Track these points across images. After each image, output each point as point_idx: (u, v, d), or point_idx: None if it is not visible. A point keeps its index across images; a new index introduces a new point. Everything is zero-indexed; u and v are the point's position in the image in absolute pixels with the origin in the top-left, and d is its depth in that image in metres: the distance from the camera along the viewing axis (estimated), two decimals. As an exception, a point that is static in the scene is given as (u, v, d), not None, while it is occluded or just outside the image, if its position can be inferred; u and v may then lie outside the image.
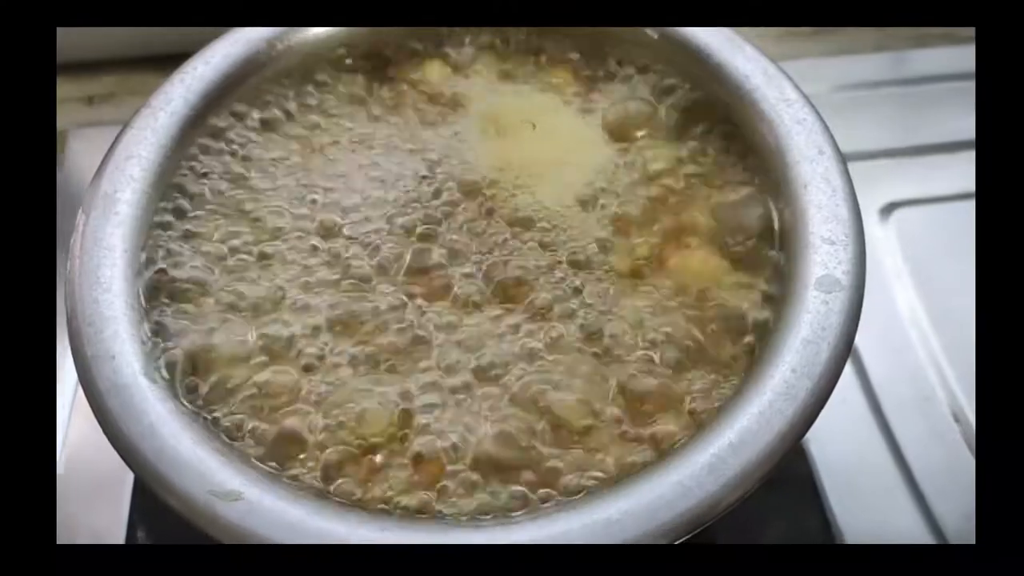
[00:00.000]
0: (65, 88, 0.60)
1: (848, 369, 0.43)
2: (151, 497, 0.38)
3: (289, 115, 0.38)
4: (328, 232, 0.34)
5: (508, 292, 0.32)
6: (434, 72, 0.39)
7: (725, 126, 0.36)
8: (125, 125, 0.35)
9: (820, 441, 0.43)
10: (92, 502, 0.42)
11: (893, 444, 0.44)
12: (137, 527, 0.41)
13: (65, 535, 0.41)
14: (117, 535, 0.41)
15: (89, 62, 0.60)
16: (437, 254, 0.33)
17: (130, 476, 0.42)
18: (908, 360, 0.46)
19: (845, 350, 0.29)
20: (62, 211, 0.53)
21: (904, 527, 0.41)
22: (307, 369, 0.31)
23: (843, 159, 0.34)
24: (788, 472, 0.43)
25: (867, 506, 0.42)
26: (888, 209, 0.51)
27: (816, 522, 0.41)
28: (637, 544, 0.26)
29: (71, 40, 0.57)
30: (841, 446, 0.43)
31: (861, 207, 0.33)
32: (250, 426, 0.30)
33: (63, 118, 0.58)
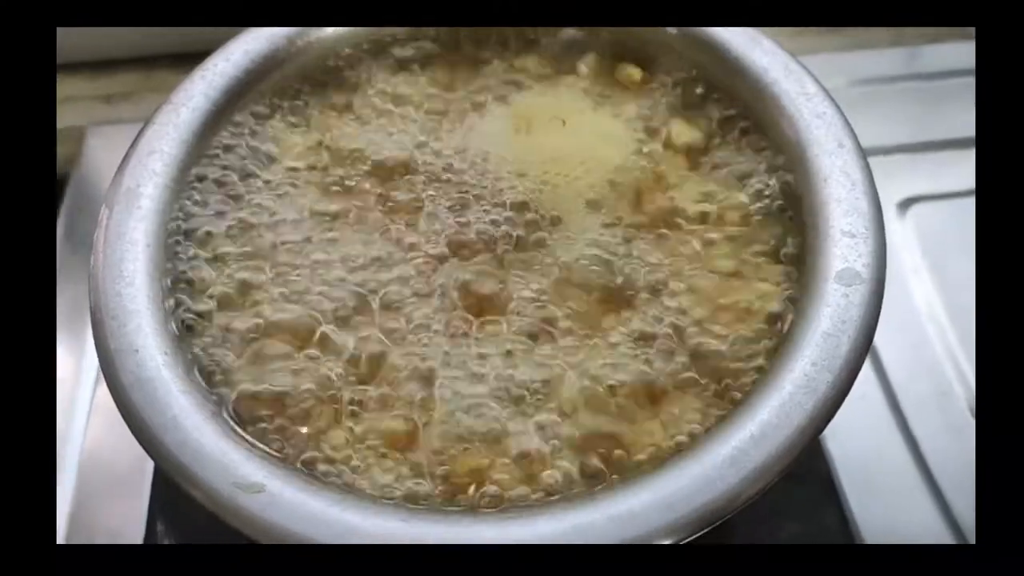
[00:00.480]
0: (83, 86, 0.60)
1: (865, 364, 0.43)
2: (171, 493, 0.40)
3: (310, 113, 0.38)
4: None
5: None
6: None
7: (745, 121, 0.36)
8: (147, 121, 0.35)
9: (838, 437, 0.43)
10: (112, 499, 0.42)
11: (911, 439, 0.44)
12: (156, 524, 0.41)
13: (84, 533, 0.41)
14: (136, 532, 0.41)
15: (107, 60, 0.60)
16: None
17: (149, 473, 0.42)
18: (926, 355, 0.46)
19: (865, 343, 0.29)
20: (81, 208, 0.54)
21: (922, 522, 0.41)
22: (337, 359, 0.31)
23: (863, 153, 0.33)
24: (806, 468, 0.42)
25: (885, 502, 0.42)
26: (905, 204, 0.51)
27: (834, 519, 0.41)
28: (656, 538, 0.26)
29: (89, 39, 0.58)
30: (859, 442, 0.43)
31: (878, 202, 0.32)
32: (277, 423, 0.30)
33: (82, 116, 0.59)
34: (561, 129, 0.37)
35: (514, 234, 0.33)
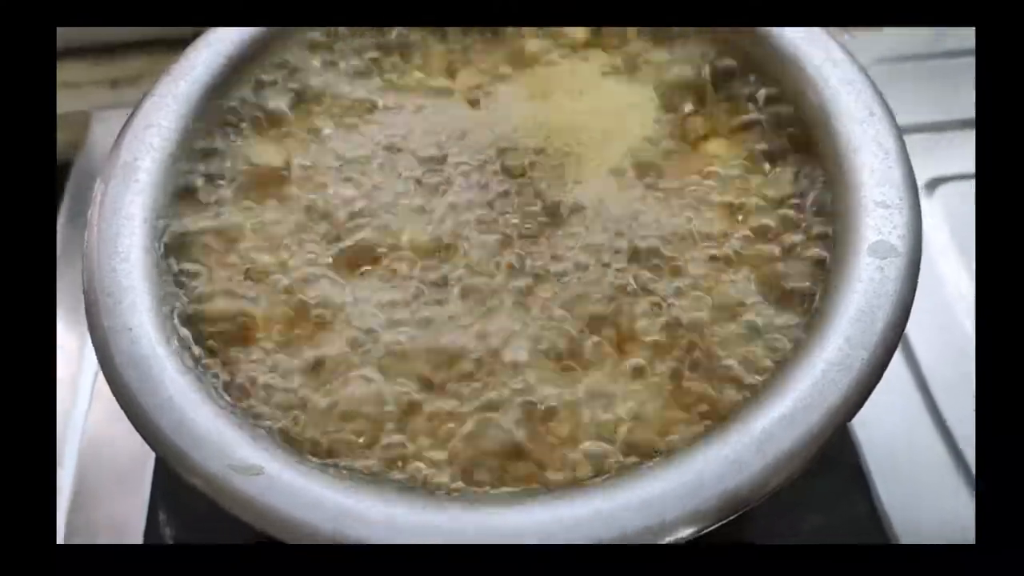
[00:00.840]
0: (89, 71, 0.59)
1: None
2: (172, 483, 0.38)
3: (313, 88, 0.36)
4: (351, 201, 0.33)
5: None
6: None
7: (770, 89, 0.34)
8: (145, 93, 0.34)
9: (866, 423, 0.41)
10: (113, 488, 0.41)
11: (941, 424, 0.42)
12: (158, 514, 0.40)
13: (85, 528, 0.40)
14: (137, 526, 0.40)
15: (113, 45, 0.59)
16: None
17: (151, 466, 0.41)
18: (955, 338, 0.44)
19: (902, 320, 0.28)
20: (85, 193, 0.53)
21: (953, 509, 0.39)
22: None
23: (894, 120, 0.32)
24: (833, 455, 0.41)
25: (915, 490, 0.40)
26: (933, 184, 0.49)
27: (864, 508, 0.40)
28: (677, 526, 0.25)
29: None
30: (887, 427, 0.42)
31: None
32: (276, 399, 0.28)
33: (86, 101, 0.58)
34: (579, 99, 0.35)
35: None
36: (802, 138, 0.33)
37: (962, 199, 0.49)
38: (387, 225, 0.32)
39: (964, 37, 0.56)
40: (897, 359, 0.43)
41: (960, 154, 0.51)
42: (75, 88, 0.58)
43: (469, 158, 0.34)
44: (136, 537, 0.39)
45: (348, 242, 0.31)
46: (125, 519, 0.40)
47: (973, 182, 0.49)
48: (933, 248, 0.47)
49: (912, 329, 0.43)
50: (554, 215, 0.32)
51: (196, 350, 0.29)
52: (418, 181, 0.33)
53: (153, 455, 0.38)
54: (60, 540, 0.40)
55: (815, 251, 0.30)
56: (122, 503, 0.41)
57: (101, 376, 0.42)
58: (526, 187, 0.33)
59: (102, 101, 0.57)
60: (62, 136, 0.56)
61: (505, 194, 0.32)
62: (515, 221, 0.32)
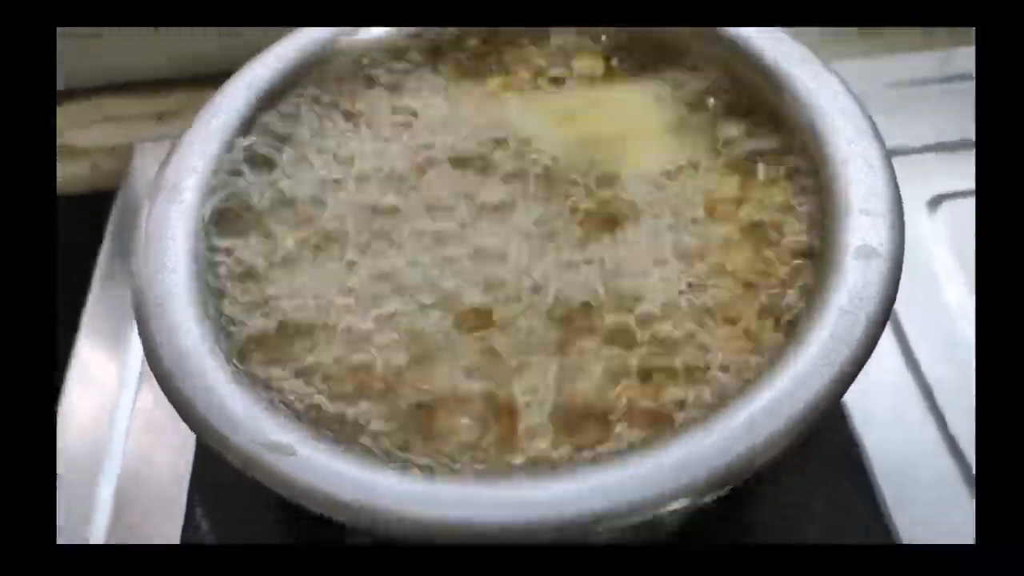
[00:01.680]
0: (135, 105, 0.62)
1: (900, 361, 0.44)
2: (208, 502, 0.41)
3: (347, 111, 0.39)
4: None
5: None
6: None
7: (760, 115, 0.37)
8: (190, 125, 0.37)
9: (876, 441, 0.43)
10: (150, 508, 0.42)
11: (949, 438, 0.43)
12: (194, 528, 0.41)
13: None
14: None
15: (159, 80, 0.62)
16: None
17: (187, 480, 0.42)
18: (959, 352, 0.46)
19: (883, 318, 0.30)
20: (129, 224, 0.55)
21: (954, 510, 0.41)
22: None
23: (879, 136, 0.34)
24: (836, 454, 0.42)
25: (917, 493, 0.41)
26: (936, 201, 0.51)
27: (867, 509, 0.41)
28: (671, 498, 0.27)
29: (141, 59, 0.60)
30: (896, 445, 0.43)
31: (909, 199, 0.33)
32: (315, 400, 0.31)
33: (131, 134, 0.60)
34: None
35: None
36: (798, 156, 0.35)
37: (964, 215, 0.50)
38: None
39: (969, 60, 0.58)
40: (903, 372, 0.45)
41: (963, 172, 0.52)
42: (121, 122, 0.61)
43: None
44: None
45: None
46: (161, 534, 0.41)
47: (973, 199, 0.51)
48: (935, 264, 0.48)
49: (916, 342, 0.46)
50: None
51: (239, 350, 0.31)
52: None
53: (190, 473, 0.41)
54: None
55: (803, 252, 0.33)
56: (159, 520, 0.41)
57: (140, 396, 0.45)
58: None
59: (146, 134, 0.60)
60: (107, 166, 0.59)
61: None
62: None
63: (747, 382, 0.29)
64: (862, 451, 0.42)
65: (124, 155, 0.59)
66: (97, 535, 0.41)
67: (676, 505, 0.26)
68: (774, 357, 0.29)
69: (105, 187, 0.57)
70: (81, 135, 0.60)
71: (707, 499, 0.27)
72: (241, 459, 0.27)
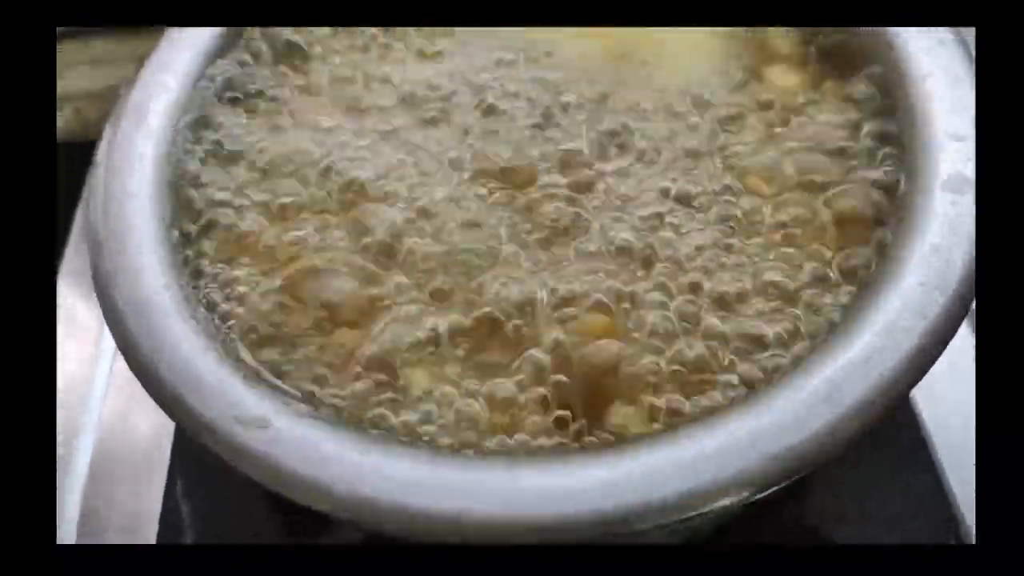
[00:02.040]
0: (115, 48, 0.58)
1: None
2: (186, 477, 0.36)
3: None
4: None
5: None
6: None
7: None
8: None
9: (930, 399, 0.38)
10: (127, 478, 0.40)
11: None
12: (172, 502, 0.38)
13: (98, 517, 0.39)
14: (151, 517, 0.38)
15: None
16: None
17: (167, 451, 0.39)
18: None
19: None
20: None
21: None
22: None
23: (968, 48, 0.29)
24: (895, 433, 0.38)
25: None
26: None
27: (928, 485, 0.36)
28: (727, 490, 0.22)
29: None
30: (953, 406, 0.38)
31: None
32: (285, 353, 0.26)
33: (114, 77, 0.57)
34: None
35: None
36: (868, 67, 0.31)
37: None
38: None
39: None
40: (963, 333, 0.40)
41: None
42: (102, 65, 0.58)
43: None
44: (151, 524, 0.38)
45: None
46: (139, 514, 0.38)
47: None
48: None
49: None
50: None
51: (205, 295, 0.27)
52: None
53: (169, 443, 0.38)
54: (73, 524, 0.39)
55: (882, 182, 0.28)
56: (137, 491, 0.39)
57: (117, 363, 0.42)
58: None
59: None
60: (91, 113, 0.55)
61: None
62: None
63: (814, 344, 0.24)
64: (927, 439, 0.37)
65: (108, 101, 0.55)
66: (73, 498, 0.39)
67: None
68: (853, 305, 0.24)
69: (87, 136, 0.53)
70: (65, 79, 0.56)
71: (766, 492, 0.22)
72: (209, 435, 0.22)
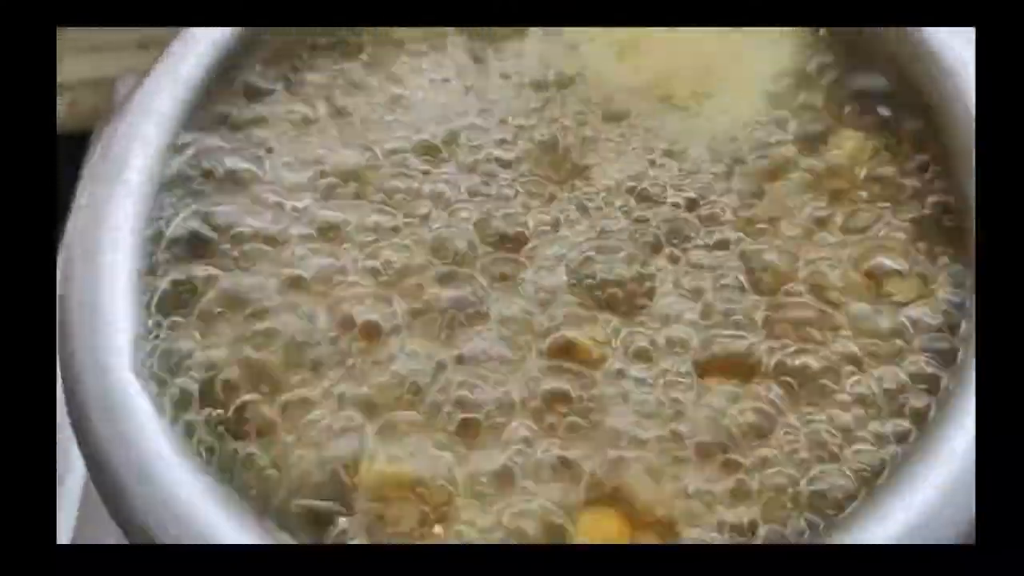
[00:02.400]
0: (117, 36, 0.58)
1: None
2: None
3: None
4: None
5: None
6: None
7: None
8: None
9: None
10: None
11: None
12: None
13: (97, 519, 0.38)
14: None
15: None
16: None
17: None
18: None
19: None
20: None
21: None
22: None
23: None
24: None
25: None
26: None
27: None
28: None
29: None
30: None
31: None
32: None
33: (115, 64, 0.57)
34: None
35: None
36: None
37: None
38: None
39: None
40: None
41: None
42: (104, 52, 0.58)
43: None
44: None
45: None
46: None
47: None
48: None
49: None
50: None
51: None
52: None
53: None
54: (73, 524, 0.40)
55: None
56: None
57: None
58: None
59: (132, 64, 0.56)
60: (89, 100, 0.57)
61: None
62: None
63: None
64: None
65: (106, 90, 0.57)
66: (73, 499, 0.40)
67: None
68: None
69: (84, 127, 0.55)
70: (64, 67, 0.56)
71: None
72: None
